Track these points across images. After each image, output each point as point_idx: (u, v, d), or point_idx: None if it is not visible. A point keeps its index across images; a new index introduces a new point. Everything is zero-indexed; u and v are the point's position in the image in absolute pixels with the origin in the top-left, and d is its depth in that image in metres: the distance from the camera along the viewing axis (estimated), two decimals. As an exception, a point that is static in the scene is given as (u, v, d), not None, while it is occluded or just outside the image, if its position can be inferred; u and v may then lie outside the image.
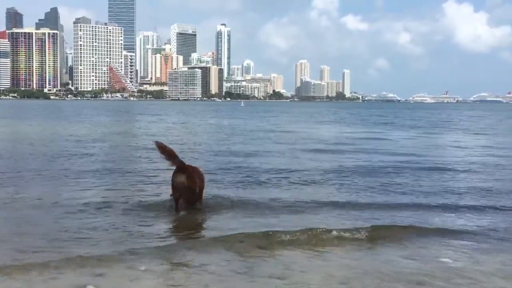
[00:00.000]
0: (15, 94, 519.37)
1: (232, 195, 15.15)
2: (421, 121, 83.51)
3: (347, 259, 9.79)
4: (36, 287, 8.22)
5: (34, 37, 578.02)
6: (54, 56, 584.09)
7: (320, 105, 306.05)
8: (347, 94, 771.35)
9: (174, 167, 13.06)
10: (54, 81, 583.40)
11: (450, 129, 61.52)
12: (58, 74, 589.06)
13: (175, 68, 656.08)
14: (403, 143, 37.39)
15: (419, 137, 45.48)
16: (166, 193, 14.81)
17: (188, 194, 12.89)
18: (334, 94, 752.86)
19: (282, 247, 10.25)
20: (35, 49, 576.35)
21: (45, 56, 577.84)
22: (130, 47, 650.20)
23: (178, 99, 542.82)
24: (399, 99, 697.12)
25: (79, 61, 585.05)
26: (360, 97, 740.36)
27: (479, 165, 23.51)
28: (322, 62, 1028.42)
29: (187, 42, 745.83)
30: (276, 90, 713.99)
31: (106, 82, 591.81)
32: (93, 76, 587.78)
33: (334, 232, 10.98)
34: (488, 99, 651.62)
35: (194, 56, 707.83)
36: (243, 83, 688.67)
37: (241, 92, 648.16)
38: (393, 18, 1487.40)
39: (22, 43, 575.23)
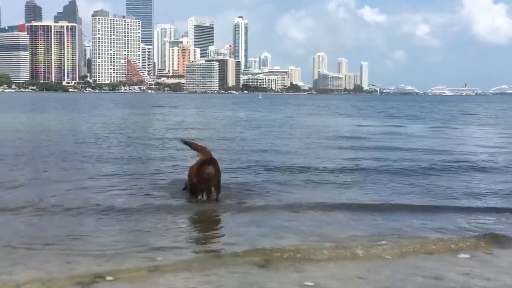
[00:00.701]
0: (34, 87, 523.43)
1: (266, 196, 14.53)
2: (445, 114, 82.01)
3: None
4: (56, 277, 8.19)
5: (52, 30, 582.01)
6: (72, 49, 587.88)
7: (338, 98, 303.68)
8: (365, 86, 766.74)
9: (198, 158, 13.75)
10: (73, 74, 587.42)
11: (469, 122, 59.92)
12: (77, 66, 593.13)
13: (193, 61, 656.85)
14: (430, 139, 35.60)
15: (446, 131, 43.90)
16: (178, 184, 15.27)
17: (215, 184, 13.50)
18: (352, 87, 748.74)
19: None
20: (54, 42, 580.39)
21: (63, 49, 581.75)
22: (147, 40, 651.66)
23: (196, 92, 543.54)
24: (417, 91, 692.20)
25: (97, 53, 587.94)
26: (378, 89, 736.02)
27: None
28: (339, 55, 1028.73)
29: (204, 34, 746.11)
30: (294, 83, 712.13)
31: (124, 75, 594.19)
32: (111, 68, 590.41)
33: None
34: (508, 91, 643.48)
35: (212, 48, 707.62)
36: (261, 75, 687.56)
37: (258, 85, 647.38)
38: (411, 10, 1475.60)
39: (41, 36, 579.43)
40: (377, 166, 20.69)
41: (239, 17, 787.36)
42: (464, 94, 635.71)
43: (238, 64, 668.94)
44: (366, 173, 19.01)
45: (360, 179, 17.79)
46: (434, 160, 22.70)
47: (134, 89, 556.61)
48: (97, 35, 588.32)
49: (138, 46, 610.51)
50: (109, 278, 8.19)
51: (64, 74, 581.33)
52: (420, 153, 25.66)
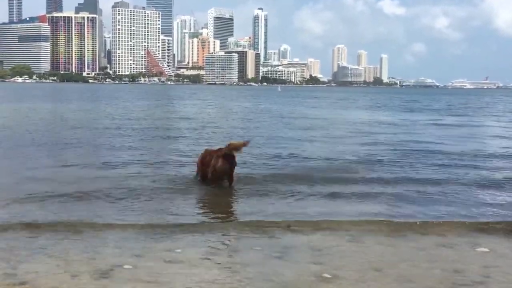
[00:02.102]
0: (55, 78, 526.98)
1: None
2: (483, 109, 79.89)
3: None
4: (75, 266, 8.35)
5: (73, 21, 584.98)
6: (92, 40, 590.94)
7: (358, 91, 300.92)
8: (385, 79, 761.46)
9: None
10: (93, 65, 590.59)
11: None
12: (97, 58, 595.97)
13: (212, 53, 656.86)
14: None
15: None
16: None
17: (228, 177, 14.73)
18: (371, 79, 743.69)
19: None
20: (74, 33, 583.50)
21: (84, 40, 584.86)
22: (167, 31, 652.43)
23: (215, 84, 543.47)
24: (437, 84, 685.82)
25: (117, 45, 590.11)
26: (398, 82, 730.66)
27: None
28: (359, 47, 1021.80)
29: (224, 26, 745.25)
30: (313, 75, 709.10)
31: (143, 66, 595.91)
32: (131, 60, 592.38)
33: None
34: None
35: (231, 40, 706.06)
36: (280, 67, 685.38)
37: (277, 77, 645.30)
38: (431, 2, 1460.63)
39: (61, 27, 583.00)
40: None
41: (259, 8, 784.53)
42: (485, 87, 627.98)
43: (257, 56, 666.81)
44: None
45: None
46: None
47: (153, 80, 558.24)
48: (117, 27, 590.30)
49: (157, 38, 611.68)
50: (127, 266, 8.36)
51: (84, 65, 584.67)
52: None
